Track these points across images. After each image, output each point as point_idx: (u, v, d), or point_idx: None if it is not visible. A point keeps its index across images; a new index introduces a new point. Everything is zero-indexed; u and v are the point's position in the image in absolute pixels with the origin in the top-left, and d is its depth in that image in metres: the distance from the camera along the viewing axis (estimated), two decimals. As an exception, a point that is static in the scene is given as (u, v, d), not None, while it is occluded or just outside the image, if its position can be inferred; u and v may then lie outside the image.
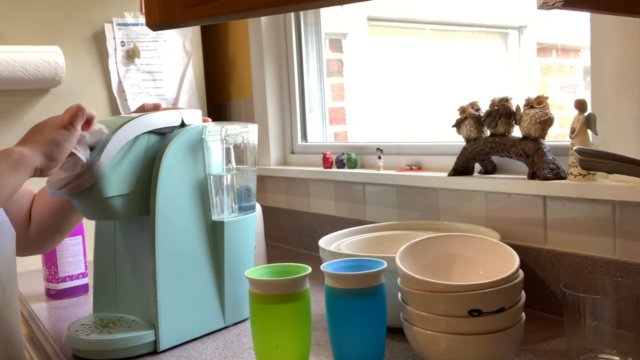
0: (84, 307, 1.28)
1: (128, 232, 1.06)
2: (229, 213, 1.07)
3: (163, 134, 1.02)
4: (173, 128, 1.03)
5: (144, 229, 1.01)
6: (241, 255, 1.09)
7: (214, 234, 1.05)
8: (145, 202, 0.99)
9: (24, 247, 1.06)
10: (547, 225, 1.06)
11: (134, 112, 1.05)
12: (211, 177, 1.05)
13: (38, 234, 1.07)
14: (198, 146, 1.04)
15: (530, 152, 1.06)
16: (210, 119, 1.10)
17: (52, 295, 1.35)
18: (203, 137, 1.04)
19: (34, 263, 1.64)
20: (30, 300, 1.34)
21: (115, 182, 0.95)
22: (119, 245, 1.07)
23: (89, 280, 1.40)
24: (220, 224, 1.05)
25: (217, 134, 1.05)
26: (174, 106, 1.09)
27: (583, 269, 0.99)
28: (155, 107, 1.04)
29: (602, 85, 0.99)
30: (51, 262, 1.34)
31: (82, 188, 0.92)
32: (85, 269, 1.38)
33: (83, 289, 1.38)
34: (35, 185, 1.06)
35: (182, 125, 1.04)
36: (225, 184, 1.06)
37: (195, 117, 1.07)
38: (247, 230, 1.10)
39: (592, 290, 0.82)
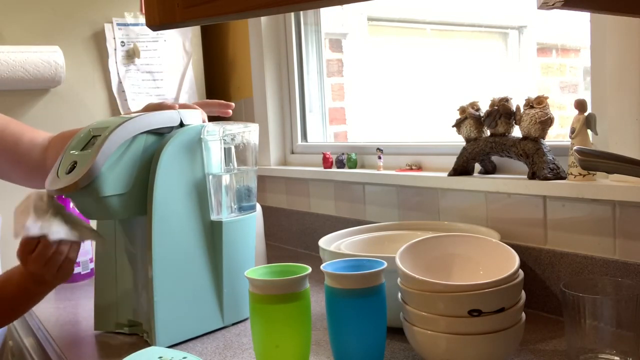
0: (84, 307, 1.28)
1: (128, 232, 1.06)
2: (228, 213, 1.07)
3: (161, 134, 1.02)
4: (171, 128, 1.03)
5: (144, 229, 1.01)
6: (241, 255, 1.09)
7: (213, 234, 1.05)
8: (143, 201, 0.99)
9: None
10: (547, 225, 1.05)
11: (140, 111, 1.06)
12: (210, 177, 1.05)
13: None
14: (196, 146, 1.03)
15: (530, 152, 1.06)
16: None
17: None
18: (202, 136, 1.04)
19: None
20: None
21: (113, 182, 0.95)
22: (119, 245, 1.07)
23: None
24: (219, 224, 1.05)
25: (216, 133, 1.05)
26: (175, 103, 1.09)
27: (583, 269, 0.99)
28: (160, 106, 1.05)
29: (602, 85, 0.99)
30: None
31: (79, 187, 0.92)
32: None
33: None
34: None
35: (181, 125, 1.04)
36: (224, 184, 1.06)
37: (194, 117, 1.07)
38: (247, 230, 1.10)
39: (592, 290, 0.82)
